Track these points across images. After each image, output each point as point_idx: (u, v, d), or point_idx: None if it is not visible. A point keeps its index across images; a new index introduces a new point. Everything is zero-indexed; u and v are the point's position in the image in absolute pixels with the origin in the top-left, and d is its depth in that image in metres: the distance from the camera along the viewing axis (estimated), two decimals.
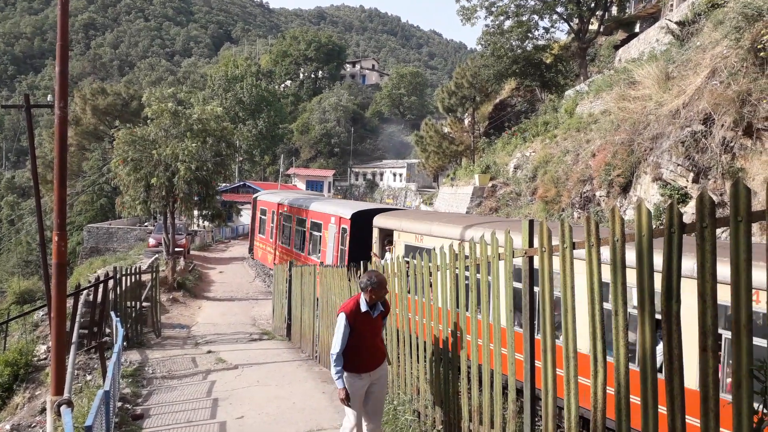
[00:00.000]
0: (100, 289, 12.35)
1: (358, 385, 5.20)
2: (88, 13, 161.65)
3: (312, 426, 7.02)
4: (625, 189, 14.69)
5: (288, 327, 13.11)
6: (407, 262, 6.67)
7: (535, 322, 4.85)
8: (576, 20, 30.96)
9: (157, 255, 24.31)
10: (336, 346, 5.12)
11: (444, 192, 32.42)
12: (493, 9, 31.26)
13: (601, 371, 3.70)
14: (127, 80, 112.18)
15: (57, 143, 8.11)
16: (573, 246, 3.94)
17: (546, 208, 18.09)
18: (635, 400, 3.46)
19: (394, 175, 69.34)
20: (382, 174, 72.61)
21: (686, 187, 12.17)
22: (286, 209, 22.03)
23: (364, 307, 5.16)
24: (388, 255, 12.62)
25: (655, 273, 3.32)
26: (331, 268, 9.65)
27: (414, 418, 6.27)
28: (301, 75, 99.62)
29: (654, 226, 3.37)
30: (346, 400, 5.15)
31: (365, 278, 5.18)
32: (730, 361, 3.06)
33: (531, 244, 4.57)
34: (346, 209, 17.18)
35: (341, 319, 5.15)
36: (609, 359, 3.67)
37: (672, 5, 24.36)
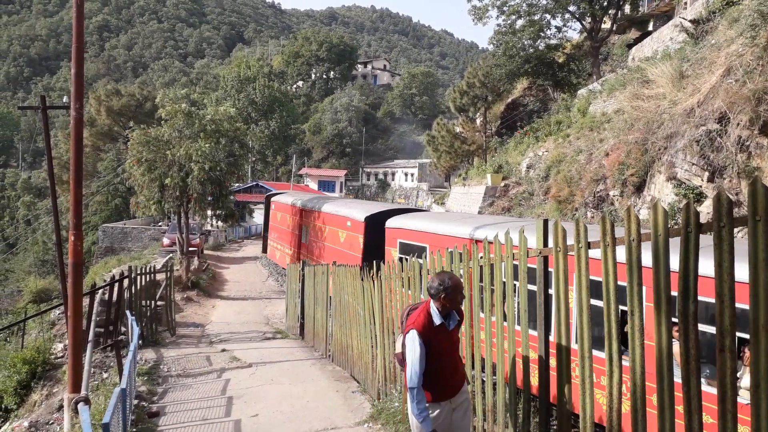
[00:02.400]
0: (116, 289, 12.47)
1: (441, 415, 4.17)
2: (102, 15, 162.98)
3: (326, 424, 7.05)
4: (639, 188, 14.59)
5: (301, 326, 13.17)
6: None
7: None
8: (588, 19, 30.76)
9: (171, 254, 24.47)
10: (414, 376, 3.96)
11: (456, 192, 32.37)
12: (505, 8, 31.17)
13: (617, 372, 3.69)
14: (140, 81, 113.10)
15: (73, 144, 8.21)
16: (588, 246, 3.94)
17: (559, 208, 18.01)
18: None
19: (406, 174, 69.36)
20: (393, 174, 72.68)
21: (701, 186, 12.06)
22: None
23: (437, 320, 4.08)
24: None
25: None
26: (343, 267, 9.68)
27: None
28: (313, 75, 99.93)
29: (669, 226, 3.36)
30: None
31: (436, 282, 4.08)
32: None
33: (546, 244, 4.57)
34: None
35: (413, 340, 4.02)
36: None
37: (686, 3, 24.16)
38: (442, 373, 4.13)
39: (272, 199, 27.41)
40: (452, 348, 4.27)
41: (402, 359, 4.24)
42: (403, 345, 4.19)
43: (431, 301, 4.12)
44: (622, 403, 3.75)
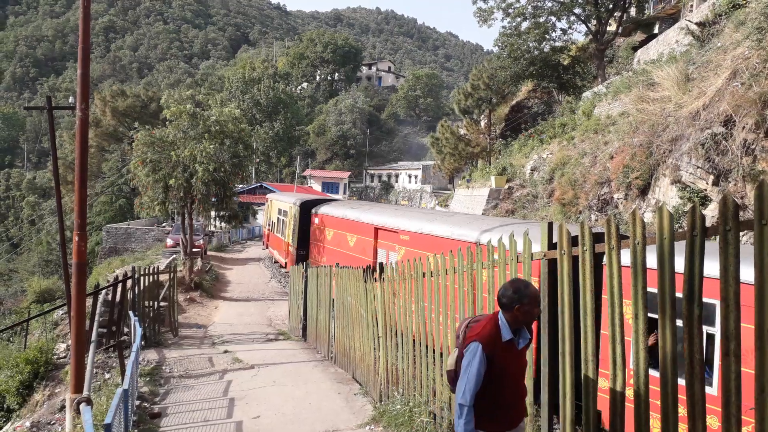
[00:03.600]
0: (119, 289, 12.48)
1: None
2: (108, 16, 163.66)
3: (328, 426, 7.03)
4: (644, 191, 14.53)
5: (304, 328, 13.16)
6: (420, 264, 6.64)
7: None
8: (594, 21, 30.71)
9: (174, 255, 24.52)
10: (466, 392, 3.40)
11: (460, 194, 32.34)
12: (510, 10, 31.12)
13: (621, 375, 3.66)
14: (146, 82, 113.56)
15: (78, 145, 8.21)
16: (593, 248, 3.91)
17: (563, 211, 17.96)
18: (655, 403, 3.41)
19: (410, 176, 69.40)
20: (397, 176, 72.72)
21: (706, 189, 12.00)
22: None
23: (507, 334, 3.49)
24: None
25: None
26: (346, 269, 9.66)
27: (430, 419, 6.25)
28: (318, 77, 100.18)
29: (674, 229, 3.33)
30: None
31: (510, 290, 3.49)
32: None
33: (550, 247, 4.54)
34: None
35: (475, 353, 3.43)
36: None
37: (692, 6, 24.08)
38: (503, 399, 3.53)
39: (319, 211, 19.89)
40: (518, 372, 3.65)
41: (454, 377, 3.65)
42: (458, 359, 3.62)
43: (500, 312, 3.54)
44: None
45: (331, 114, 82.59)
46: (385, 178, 74.47)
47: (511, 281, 3.59)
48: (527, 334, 3.59)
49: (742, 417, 3.03)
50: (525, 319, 3.49)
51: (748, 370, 3.12)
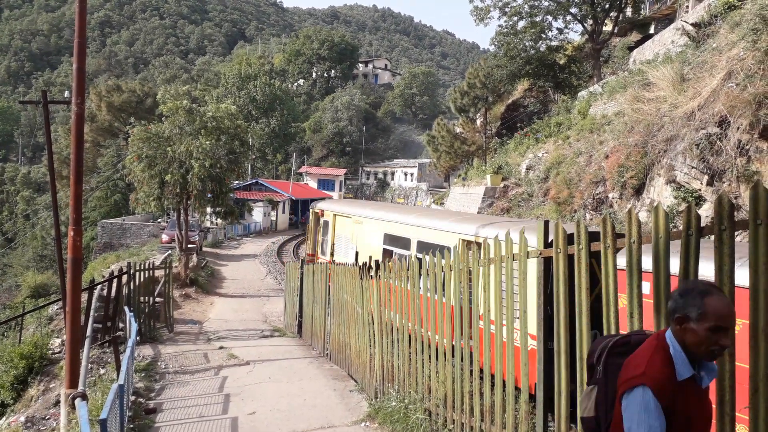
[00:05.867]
0: (114, 284, 12.46)
1: None
2: (104, 10, 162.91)
3: (323, 422, 7.05)
4: (639, 191, 14.60)
5: (299, 324, 13.17)
6: (419, 261, 6.67)
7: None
8: (590, 21, 30.77)
9: (170, 251, 24.46)
10: None
11: (455, 192, 32.39)
12: (507, 9, 31.14)
13: None
14: (141, 78, 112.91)
15: (73, 139, 8.19)
16: (589, 247, 3.94)
17: (558, 210, 18.02)
18: None
19: (405, 174, 69.44)
20: (393, 173, 72.77)
21: (700, 189, 12.07)
22: None
23: (685, 371, 2.26)
24: None
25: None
26: (342, 266, 9.67)
27: (425, 416, 6.28)
28: (314, 74, 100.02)
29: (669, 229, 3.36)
30: None
31: (696, 301, 2.24)
32: None
33: (546, 245, 4.57)
34: None
35: (645, 406, 2.19)
36: None
37: (688, 6, 24.17)
38: None
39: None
40: (706, 420, 2.36)
41: (596, 427, 2.49)
42: (599, 402, 2.49)
43: (669, 334, 2.34)
44: None
45: (327, 111, 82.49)
46: (380, 176, 74.52)
47: (692, 289, 2.31)
48: (714, 364, 2.36)
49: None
50: (717, 346, 2.25)
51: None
